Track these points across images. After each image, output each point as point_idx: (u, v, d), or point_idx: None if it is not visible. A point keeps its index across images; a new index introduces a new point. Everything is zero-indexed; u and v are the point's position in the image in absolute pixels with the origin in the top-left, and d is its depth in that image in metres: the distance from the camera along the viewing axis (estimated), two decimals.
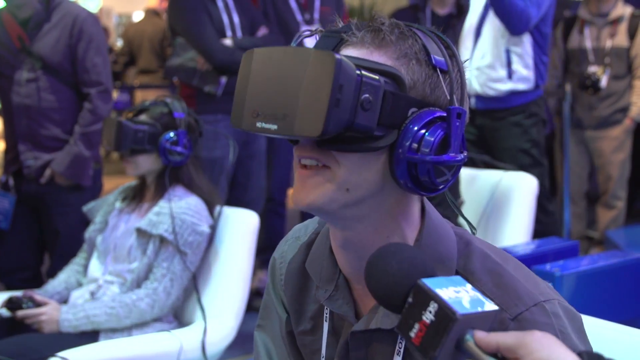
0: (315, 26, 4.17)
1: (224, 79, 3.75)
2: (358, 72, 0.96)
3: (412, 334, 0.84)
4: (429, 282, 0.85)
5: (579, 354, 0.79)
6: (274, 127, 0.98)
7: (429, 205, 1.13)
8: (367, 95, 0.96)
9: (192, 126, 2.59)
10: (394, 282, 0.88)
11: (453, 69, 1.05)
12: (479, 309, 0.83)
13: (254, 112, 1.00)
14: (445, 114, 1.03)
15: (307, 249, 1.23)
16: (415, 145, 1.01)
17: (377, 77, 0.98)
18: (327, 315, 1.18)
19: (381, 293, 0.89)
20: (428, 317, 0.83)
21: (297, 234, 1.30)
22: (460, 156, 1.04)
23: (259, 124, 0.99)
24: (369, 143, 1.00)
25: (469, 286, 0.87)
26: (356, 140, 1.00)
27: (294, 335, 1.26)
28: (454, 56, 1.07)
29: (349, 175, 1.02)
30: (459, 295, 0.84)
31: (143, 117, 2.53)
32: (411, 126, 1.01)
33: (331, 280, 1.14)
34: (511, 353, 0.79)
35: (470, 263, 1.08)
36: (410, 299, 0.86)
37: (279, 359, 1.33)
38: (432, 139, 1.01)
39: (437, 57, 1.04)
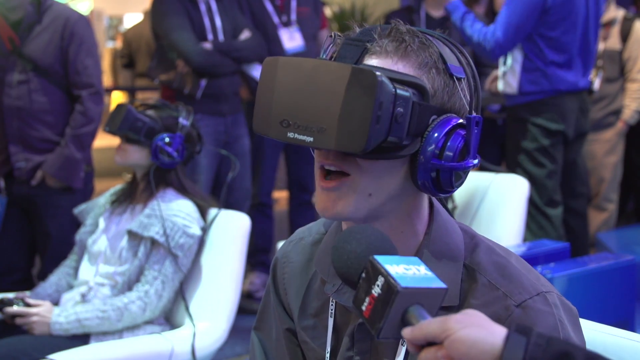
0: (293, 28, 4.17)
1: (203, 82, 3.80)
2: (393, 87, 0.99)
3: (363, 307, 0.88)
4: (380, 259, 0.88)
5: (508, 327, 0.81)
6: (309, 139, 1.00)
7: (437, 202, 1.18)
8: (400, 109, 0.99)
9: (192, 138, 2.60)
10: (353, 257, 0.92)
11: (468, 76, 1.08)
12: (425, 285, 0.86)
13: (283, 122, 1.03)
14: (463, 121, 1.06)
15: (312, 248, 1.28)
16: (437, 152, 1.04)
17: (407, 89, 1.01)
18: (332, 311, 1.21)
19: (341, 270, 0.93)
20: (376, 290, 0.87)
21: (300, 235, 1.34)
22: (477, 160, 1.08)
23: (290, 134, 1.02)
24: (396, 152, 1.03)
25: (423, 267, 0.90)
26: (384, 150, 1.02)
27: (293, 333, 1.30)
28: (468, 63, 1.09)
29: (370, 182, 1.06)
30: (408, 272, 0.87)
31: (149, 112, 2.56)
32: (434, 134, 1.04)
33: None
34: (439, 339, 0.82)
35: (477, 255, 1.13)
36: (363, 274, 0.90)
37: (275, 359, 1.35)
38: (455, 147, 1.05)
39: (454, 64, 1.08)
